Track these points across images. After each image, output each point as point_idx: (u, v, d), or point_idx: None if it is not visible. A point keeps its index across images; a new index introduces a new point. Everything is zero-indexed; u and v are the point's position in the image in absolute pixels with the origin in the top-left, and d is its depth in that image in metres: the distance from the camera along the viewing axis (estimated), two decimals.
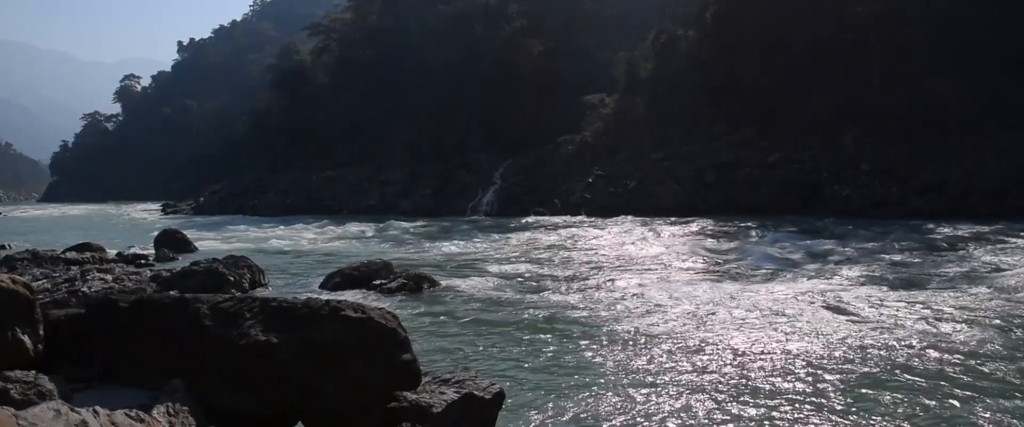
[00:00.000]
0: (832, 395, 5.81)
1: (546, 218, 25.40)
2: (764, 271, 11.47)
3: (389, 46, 47.53)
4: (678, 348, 6.77)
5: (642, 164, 29.06)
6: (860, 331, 7.66)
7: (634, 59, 34.07)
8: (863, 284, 10.17)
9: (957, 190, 20.93)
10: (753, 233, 16.85)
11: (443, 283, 10.50)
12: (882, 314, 8.31)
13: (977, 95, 23.24)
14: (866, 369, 6.42)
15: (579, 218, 24.81)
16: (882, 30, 25.38)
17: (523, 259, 13.84)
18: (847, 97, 25.61)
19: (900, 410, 5.43)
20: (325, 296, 8.64)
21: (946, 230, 15.71)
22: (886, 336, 7.46)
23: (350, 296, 8.99)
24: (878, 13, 25.78)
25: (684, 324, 7.74)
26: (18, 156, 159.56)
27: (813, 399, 5.69)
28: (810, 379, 6.22)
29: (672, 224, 19.97)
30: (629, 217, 23.05)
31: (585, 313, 8.34)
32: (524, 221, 24.54)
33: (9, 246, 16.81)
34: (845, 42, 25.90)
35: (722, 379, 6.16)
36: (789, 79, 27.29)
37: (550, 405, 5.28)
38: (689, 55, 31.47)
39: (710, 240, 15.81)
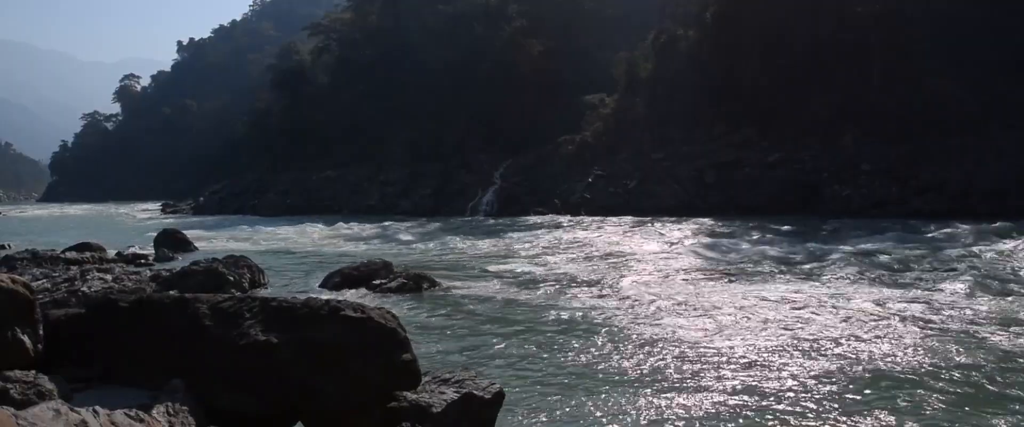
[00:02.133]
0: (832, 395, 5.81)
1: (546, 218, 25.38)
2: (764, 271, 11.47)
3: (389, 46, 47.52)
4: (678, 348, 6.76)
5: (642, 164, 29.05)
6: (859, 330, 7.67)
7: (634, 59, 34.03)
8: (862, 284, 10.19)
9: (957, 190, 20.92)
10: (753, 233, 16.84)
11: (443, 283, 10.50)
12: (881, 313, 8.33)
13: (977, 95, 23.22)
14: (864, 368, 6.43)
15: (579, 218, 24.80)
16: (882, 30, 25.36)
17: (523, 259, 13.83)
18: (847, 97, 25.59)
19: (899, 410, 5.43)
20: (325, 296, 8.66)
21: (946, 230, 15.70)
22: (885, 335, 7.47)
23: (350, 296, 9.00)
24: (878, 13, 25.76)
25: (683, 324, 7.74)
26: (18, 156, 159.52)
27: (812, 399, 5.69)
28: (810, 380, 6.22)
29: (672, 224, 19.97)
30: (629, 217, 23.05)
31: (585, 313, 8.34)
32: (524, 221, 24.53)
33: (9, 246, 16.80)
34: (845, 42, 25.87)
35: (722, 378, 6.16)
36: (789, 79, 27.26)
37: (550, 405, 5.28)
38: (689, 55, 31.45)
39: (710, 240, 15.80)
